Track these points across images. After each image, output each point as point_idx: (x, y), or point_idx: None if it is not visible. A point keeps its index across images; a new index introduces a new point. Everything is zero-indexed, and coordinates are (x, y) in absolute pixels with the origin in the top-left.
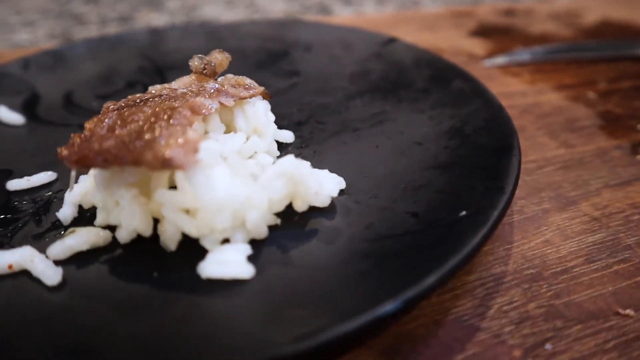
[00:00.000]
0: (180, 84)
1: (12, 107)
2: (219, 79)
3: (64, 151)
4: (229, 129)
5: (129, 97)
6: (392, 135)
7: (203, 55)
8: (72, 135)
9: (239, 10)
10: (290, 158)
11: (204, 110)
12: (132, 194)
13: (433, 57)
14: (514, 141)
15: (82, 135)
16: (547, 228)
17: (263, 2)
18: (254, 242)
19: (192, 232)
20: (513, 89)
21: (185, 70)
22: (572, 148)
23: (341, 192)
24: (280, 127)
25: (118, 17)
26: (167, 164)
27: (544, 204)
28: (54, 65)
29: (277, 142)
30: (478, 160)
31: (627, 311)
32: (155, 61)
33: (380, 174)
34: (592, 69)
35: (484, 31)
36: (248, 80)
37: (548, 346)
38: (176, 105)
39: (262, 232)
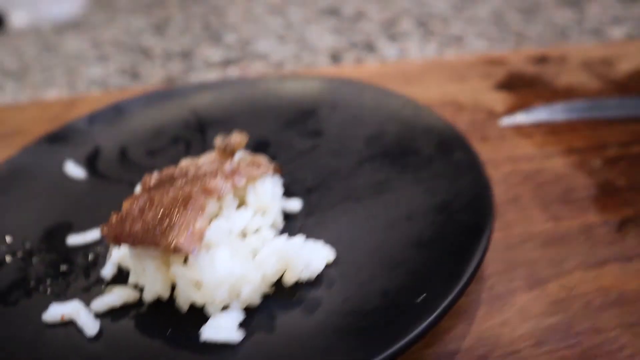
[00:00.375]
0: (205, 160)
1: (77, 161)
2: (238, 157)
3: (104, 228)
4: (242, 201)
5: (164, 171)
6: (389, 206)
7: (225, 135)
8: (112, 213)
9: (290, 45)
10: (282, 239)
11: (217, 194)
12: (156, 264)
13: (443, 123)
14: (487, 224)
15: (119, 215)
16: (511, 307)
17: (312, 36)
18: (248, 309)
19: (198, 300)
20: (521, 153)
21: (224, 125)
22: (560, 221)
23: (329, 264)
24: (292, 193)
25: (180, 51)
26: (177, 251)
27: (514, 282)
28: (114, 119)
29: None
30: (454, 240)
31: None
32: (198, 116)
33: (368, 248)
34: (607, 131)
35: (510, 83)
36: (262, 159)
37: None
38: (194, 190)
39: (255, 301)
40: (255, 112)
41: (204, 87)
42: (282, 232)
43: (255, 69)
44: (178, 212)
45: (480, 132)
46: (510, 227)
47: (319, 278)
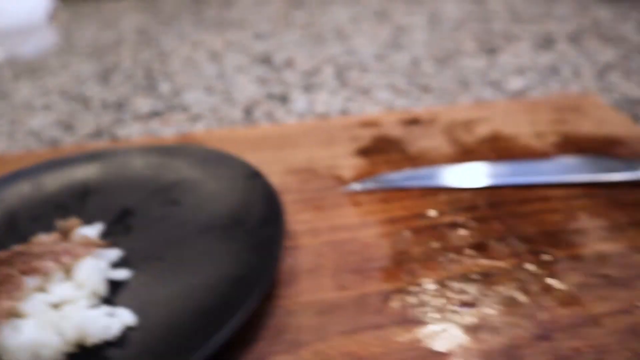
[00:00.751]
0: (48, 240)
1: None
2: (76, 236)
3: None
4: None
5: (11, 251)
6: (198, 276)
7: (63, 221)
8: None
9: (215, 96)
10: (87, 313)
11: (42, 272)
12: None
13: (270, 196)
14: (250, 301)
15: None
16: None
17: (237, 87)
18: None
19: None
20: (343, 222)
21: (101, 193)
22: (343, 291)
23: (130, 328)
24: (129, 262)
25: (116, 100)
26: None
27: (276, 346)
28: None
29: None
30: (222, 311)
31: None
32: (83, 184)
33: (166, 314)
34: (431, 199)
35: (372, 148)
36: (93, 239)
37: None
38: (12, 272)
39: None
40: (130, 180)
41: (91, 156)
42: (106, 300)
43: (176, 121)
44: None
45: (319, 201)
46: (298, 295)
47: (118, 341)
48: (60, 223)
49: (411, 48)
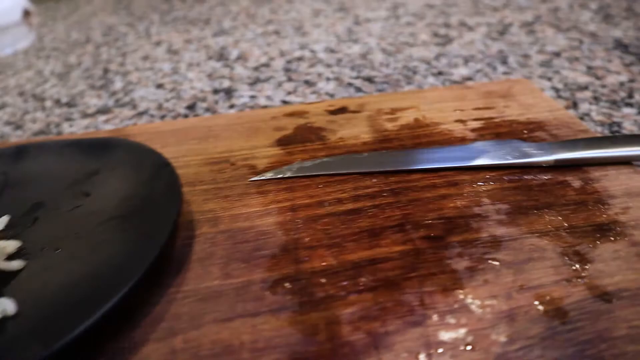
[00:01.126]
0: None
1: None
2: None
3: None
4: None
5: None
6: (88, 266)
7: None
8: None
9: (164, 92)
10: None
11: None
12: None
13: (174, 187)
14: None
15: None
16: (135, 356)
17: (187, 83)
18: None
19: None
20: (245, 211)
21: (24, 187)
22: (228, 279)
23: (8, 317)
24: (29, 253)
25: (70, 100)
26: None
27: (152, 334)
28: None
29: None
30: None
31: None
32: (8, 176)
33: (46, 303)
34: (339, 187)
35: (293, 137)
36: None
37: None
38: None
39: None
40: (47, 174)
41: (11, 150)
42: None
43: (121, 117)
44: None
45: (226, 191)
46: (186, 283)
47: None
48: None
49: (365, 40)
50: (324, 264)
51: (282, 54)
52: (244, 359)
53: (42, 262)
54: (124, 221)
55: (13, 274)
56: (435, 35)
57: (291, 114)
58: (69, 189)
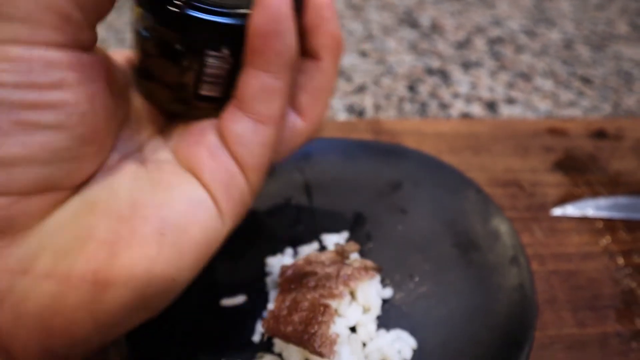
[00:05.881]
0: (325, 258)
1: None
2: (352, 259)
3: (264, 323)
4: (352, 296)
5: (296, 264)
6: (457, 302)
7: (342, 244)
8: (268, 310)
9: (371, 60)
10: (382, 335)
11: (339, 297)
12: (296, 347)
13: (507, 225)
14: (527, 338)
15: (272, 314)
16: None
17: (392, 58)
18: None
19: None
20: (564, 251)
21: (326, 189)
22: (583, 328)
23: (413, 350)
24: (384, 281)
25: None
26: (319, 355)
27: None
28: None
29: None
30: (500, 346)
31: None
32: (304, 175)
33: (439, 339)
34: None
35: (567, 162)
36: (369, 263)
37: None
38: (325, 299)
39: None
40: (352, 179)
41: (309, 146)
42: (378, 319)
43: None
44: (318, 320)
45: (534, 223)
46: (545, 327)
47: None
48: (339, 246)
49: (561, 24)
50: None
51: (478, 29)
52: None
53: (406, 291)
54: (462, 253)
55: (384, 302)
56: (635, 27)
57: (552, 131)
58: (380, 201)
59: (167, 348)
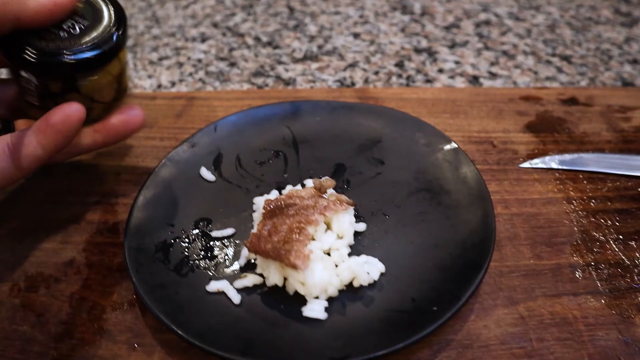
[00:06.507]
0: (305, 194)
1: (207, 166)
2: (328, 193)
3: (247, 243)
4: (327, 226)
5: (278, 198)
6: (424, 235)
7: (319, 179)
8: (251, 232)
9: (364, 43)
10: (353, 258)
11: (315, 224)
12: (276, 265)
13: (474, 172)
14: (485, 263)
15: (255, 235)
16: (490, 317)
17: (383, 40)
18: (330, 299)
19: (301, 291)
20: (528, 197)
21: (312, 144)
22: (539, 260)
23: (381, 274)
24: (359, 216)
25: (268, 39)
26: (294, 267)
27: (497, 300)
28: (232, 130)
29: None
30: (462, 269)
31: None
32: (292, 132)
33: (407, 265)
34: (602, 184)
35: (538, 125)
36: (344, 197)
37: None
38: (302, 221)
39: (334, 295)
40: (335, 135)
41: (294, 105)
42: (352, 247)
43: (335, 67)
44: (294, 239)
45: (502, 174)
46: (505, 259)
47: (373, 283)
48: (317, 181)
49: (547, 9)
50: (615, 257)
51: (467, 14)
52: (580, 330)
53: (378, 226)
54: (433, 196)
55: (357, 234)
56: (617, 12)
57: (526, 98)
58: (361, 154)
59: (166, 273)
